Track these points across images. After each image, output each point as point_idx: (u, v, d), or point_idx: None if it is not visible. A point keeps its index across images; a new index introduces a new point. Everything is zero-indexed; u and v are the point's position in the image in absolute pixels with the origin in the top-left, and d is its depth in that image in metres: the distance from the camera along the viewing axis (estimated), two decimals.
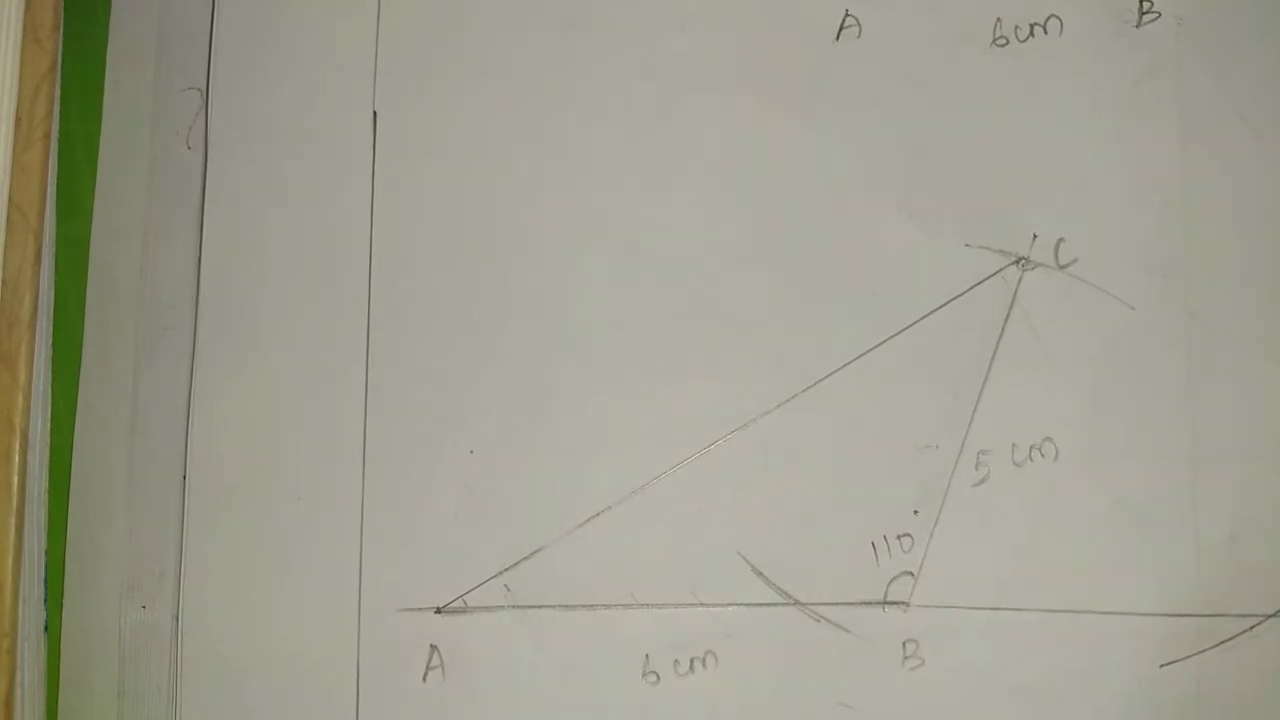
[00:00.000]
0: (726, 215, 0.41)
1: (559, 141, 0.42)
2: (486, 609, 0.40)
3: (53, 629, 0.40)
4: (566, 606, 0.40)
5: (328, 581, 0.41)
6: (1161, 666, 0.38)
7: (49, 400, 0.41)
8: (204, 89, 0.43)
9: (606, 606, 0.40)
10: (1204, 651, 0.38)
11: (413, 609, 0.40)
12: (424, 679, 0.40)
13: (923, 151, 0.41)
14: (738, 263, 0.41)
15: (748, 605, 0.40)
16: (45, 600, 0.40)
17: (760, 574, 0.40)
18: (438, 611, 0.40)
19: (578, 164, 0.42)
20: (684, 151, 0.41)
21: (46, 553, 0.40)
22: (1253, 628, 0.38)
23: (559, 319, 0.41)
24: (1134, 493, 0.39)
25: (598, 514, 0.40)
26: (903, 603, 0.39)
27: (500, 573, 0.40)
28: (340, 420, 0.41)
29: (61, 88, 0.41)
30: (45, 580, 0.40)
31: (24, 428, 0.37)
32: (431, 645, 0.40)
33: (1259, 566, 0.38)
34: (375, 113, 0.42)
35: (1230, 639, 0.38)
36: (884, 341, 0.40)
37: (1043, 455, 0.39)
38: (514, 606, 0.40)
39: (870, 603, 0.39)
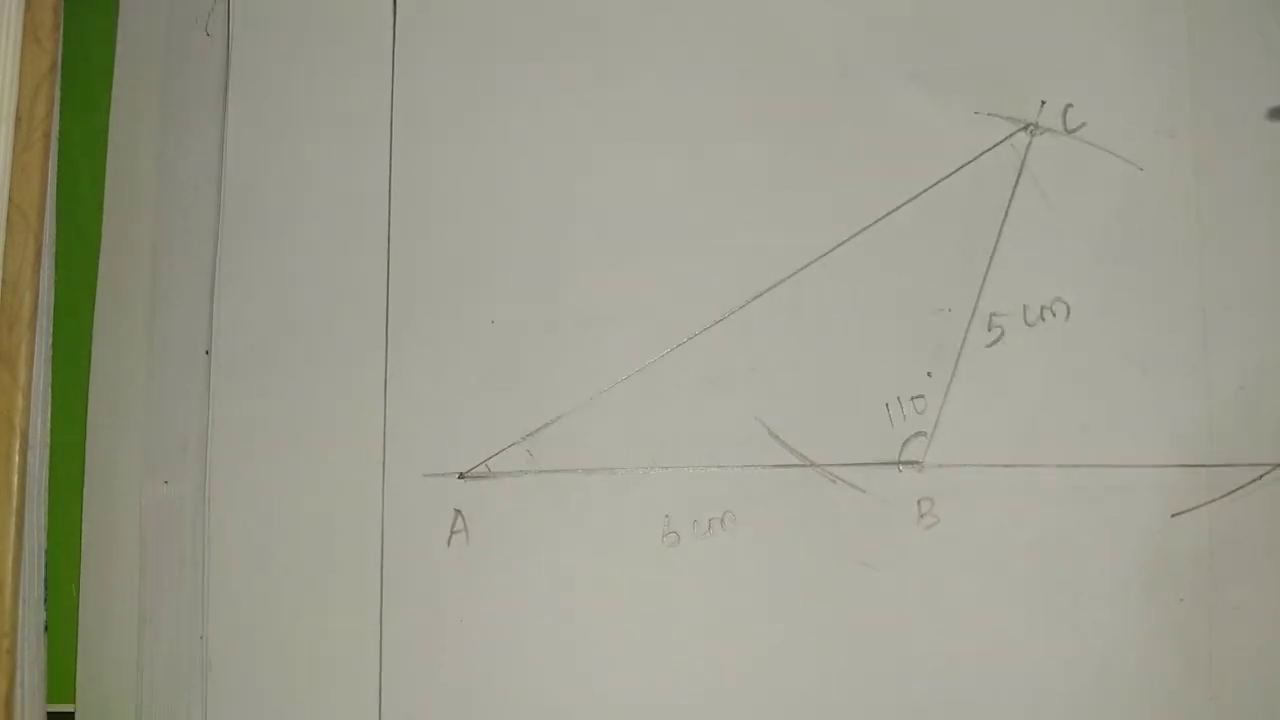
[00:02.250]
0: (739, 85, 0.42)
1: (573, 14, 0.43)
2: (509, 474, 0.41)
3: (73, 507, 0.41)
4: (587, 470, 0.41)
5: (352, 449, 0.41)
6: (1173, 516, 0.39)
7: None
8: None
9: (627, 470, 0.41)
10: (1215, 501, 0.38)
11: (437, 474, 0.41)
12: (448, 543, 0.41)
13: (931, 21, 0.41)
14: (751, 133, 0.41)
15: (765, 467, 0.40)
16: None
17: (777, 437, 0.40)
18: (461, 477, 0.41)
19: (594, 37, 0.42)
20: (700, 24, 0.42)
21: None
22: (1262, 476, 0.38)
23: (576, 191, 0.42)
24: (1145, 348, 0.39)
25: (618, 381, 0.41)
26: (917, 462, 0.40)
27: (523, 438, 0.41)
28: (363, 293, 0.42)
29: None
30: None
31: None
32: (455, 510, 0.41)
33: (1267, 416, 0.39)
34: None
35: (1240, 488, 0.38)
36: (896, 208, 0.41)
37: (1054, 315, 0.40)
38: (536, 471, 0.41)
39: (885, 463, 0.40)
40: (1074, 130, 0.40)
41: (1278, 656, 0.38)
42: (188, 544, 0.42)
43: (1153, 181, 0.40)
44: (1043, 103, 0.41)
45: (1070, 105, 0.40)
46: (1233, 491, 0.38)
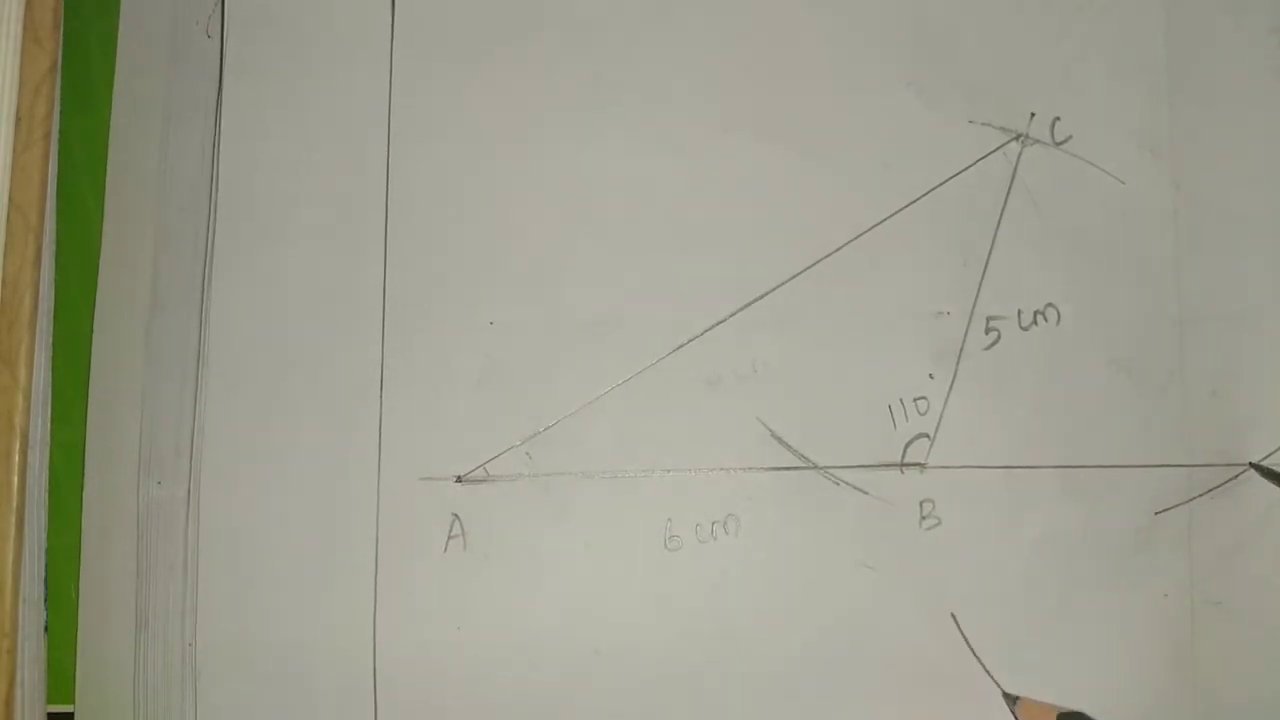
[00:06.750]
0: (739, 89, 0.42)
1: (572, 17, 0.42)
2: (508, 477, 0.40)
3: (73, 507, 0.40)
4: (587, 474, 0.40)
5: (347, 451, 0.40)
6: (1157, 514, 0.40)
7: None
8: None
9: (628, 473, 0.40)
10: (1194, 499, 0.40)
11: (433, 478, 0.40)
12: (445, 548, 0.40)
13: (928, 33, 0.42)
14: (751, 137, 0.42)
15: (768, 470, 0.41)
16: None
17: (779, 439, 0.41)
18: (458, 480, 0.40)
19: (592, 38, 0.42)
20: (700, 31, 0.42)
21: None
22: (1236, 476, 0.40)
23: (575, 192, 0.42)
24: (1128, 353, 0.41)
25: (619, 383, 0.41)
26: (919, 464, 0.40)
27: (522, 441, 0.41)
28: (360, 294, 0.41)
29: None
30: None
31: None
32: (453, 514, 0.40)
33: (1237, 419, 0.41)
34: None
35: (1216, 487, 0.40)
36: (896, 212, 0.41)
37: (1046, 320, 0.41)
38: (535, 475, 0.40)
39: (888, 465, 0.41)
40: (1061, 143, 0.42)
41: (1256, 646, 0.40)
42: (180, 547, 0.40)
43: (1134, 195, 0.42)
44: (1032, 114, 0.42)
45: (1058, 118, 0.42)
46: (1209, 491, 0.40)
